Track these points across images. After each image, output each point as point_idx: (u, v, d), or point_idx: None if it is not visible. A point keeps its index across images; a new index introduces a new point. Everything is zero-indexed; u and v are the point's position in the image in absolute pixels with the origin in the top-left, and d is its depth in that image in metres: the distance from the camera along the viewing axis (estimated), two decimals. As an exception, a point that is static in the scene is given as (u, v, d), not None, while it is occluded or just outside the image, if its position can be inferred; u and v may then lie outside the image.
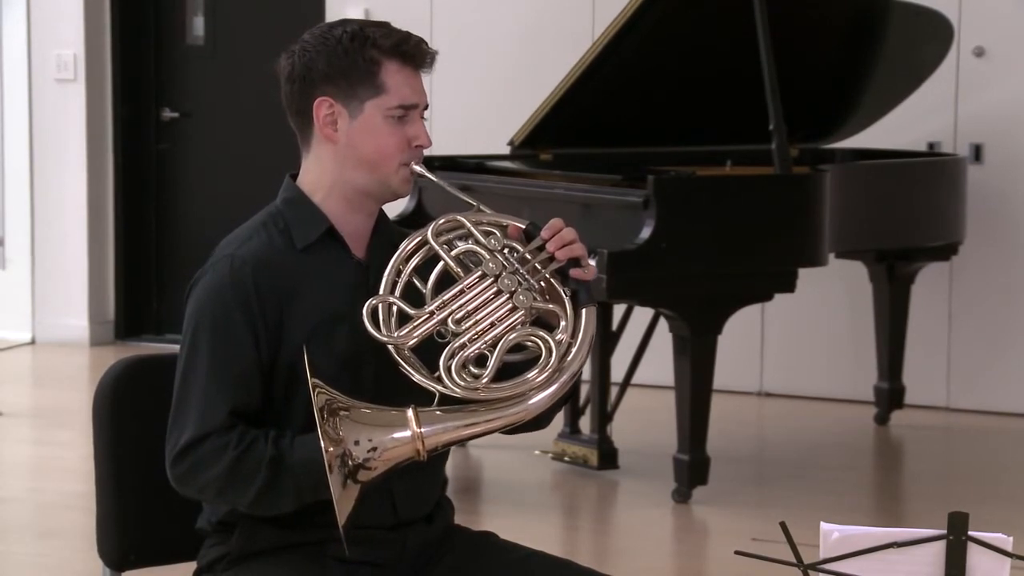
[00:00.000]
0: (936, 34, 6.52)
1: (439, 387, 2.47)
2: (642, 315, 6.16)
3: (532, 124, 6.17)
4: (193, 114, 8.44)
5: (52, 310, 8.34)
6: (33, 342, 8.37)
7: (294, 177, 2.70)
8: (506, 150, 6.32)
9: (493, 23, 7.65)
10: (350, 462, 2.42)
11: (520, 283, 2.52)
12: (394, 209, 5.81)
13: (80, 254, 8.29)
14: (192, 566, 2.76)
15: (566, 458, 6.01)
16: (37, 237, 8.34)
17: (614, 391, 6.06)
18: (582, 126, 6.23)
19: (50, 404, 7.22)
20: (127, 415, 2.78)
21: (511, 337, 2.50)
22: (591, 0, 7.43)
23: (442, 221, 2.58)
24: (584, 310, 2.53)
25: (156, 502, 2.74)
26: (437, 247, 2.56)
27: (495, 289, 2.52)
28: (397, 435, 2.46)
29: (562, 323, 2.52)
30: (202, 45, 8.40)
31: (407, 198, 6.07)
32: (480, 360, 2.50)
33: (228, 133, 8.31)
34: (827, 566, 2.18)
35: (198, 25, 8.40)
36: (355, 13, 7.56)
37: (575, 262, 2.55)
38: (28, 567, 5.00)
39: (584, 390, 6.06)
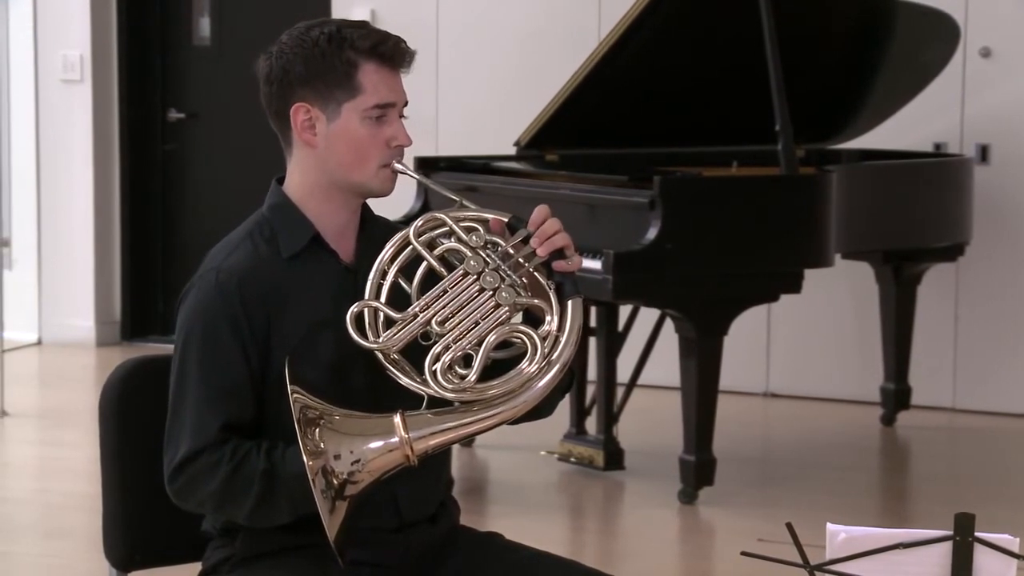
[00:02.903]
0: (942, 35, 6.52)
1: (428, 390, 2.47)
2: (648, 316, 6.16)
3: (538, 125, 6.16)
4: (199, 115, 8.45)
5: (58, 311, 8.35)
6: (39, 343, 8.38)
7: (281, 180, 2.70)
8: (512, 151, 6.32)
9: (499, 23, 7.65)
10: (335, 480, 2.40)
11: (503, 279, 2.51)
12: (399, 209, 5.80)
13: (86, 255, 8.30)
14: (197, 567, 2.76)
15: (572, 459, 6.01)
16: (44, 238, 8.34)
17: (620, 392, 6.06)
18: (588, 127, 6.23)
19: (56, 405, 7.23)
20: (133, 416, 2.78)
21: (494, 336, 2.49)
22: (597, 0, 7.43)
23: (422, 221, 2.57)
24: (570, 302, 2.52)
25: (162, 503, 2.73)
26: (419, 247, 2.55)
27: (478, 287, 2.51)
28: (382, 443, 2.44)
29: (547, 316, 2.51)
30: (208, 46, 8.41)
31: (413, 198, 6.07)
32: (467, 360, 2.49)
33: (234, 134, 8.31)
34: (833, 567, 2.18)
35: (204, 26, 8.41)
36: (360, 14, 7.56)
37: (559, 253, 2.54)
38: (34, 567, 5.00)
39: (590, 391, 6.06)
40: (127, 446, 2.78)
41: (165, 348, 2.93)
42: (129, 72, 8.39)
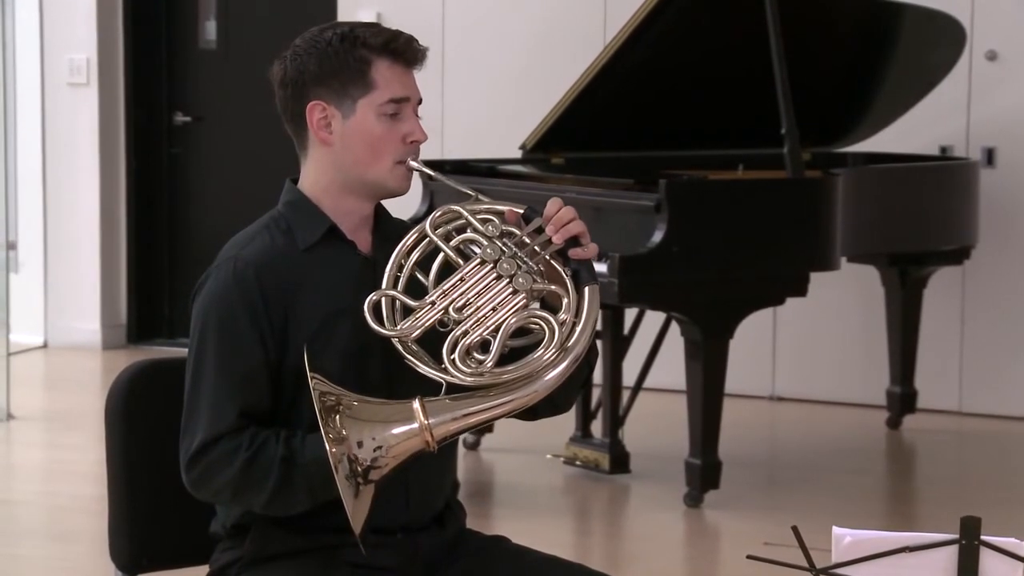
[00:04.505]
0: (948, 38, 6.52)
1: (446, 377, 2.48)
2: (654, 319, 6.15)
3: (544, 128, 6.17)
4: (205, 118, 8.45)
5: (64, 314, 8.35)
6: (45, 346, 8.39)
7: (294, 181, 2.71)
8: (518, 154, 6.33)
9: (505, 26, 7.66)
10: (359, 467, 2.42)
11: (519, 266, 2.52)
12: (406, 211, 5.81)
13: (92, 258, 8.31)
14: (204, 570, 2.76)
15: (578, 462, 6.00)
16: (50, 241, 8.35)
17: (626, 395, 6.06)
18: (594, 130, 6.23)
19: (62, 408, 7.23)
20: (139, 418, 2.79)
21: (512, 321, 2.50)
22: (603, 3, 7.43)
23: (439, 213, 2.59)
24: (586, 289, 2.53)
25: (168, 505, 2.75)
26: (436, 239, 2.56)
27: (495, 274, 2.52)
28: (403, 429, 2.45)
29: (564, 303, 2.52)
30: (214, 49, 8.41)
31: (420, 201, 6.08)
32: (484, 346, 2.50)
33: (240, 137, 8.32)
34: (839, 570, 2.18)
35: (210, 29, 8.42)
36: (367, 16, 7.57)
37: (575, 241, 2.55)
38: (40, 570, 5.01)
39: (596, 394, 6.06)
40: (133, 449, 2.78)
41: (171, 351, 2.93)
42: (135, 75, 8.39)
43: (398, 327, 2.51)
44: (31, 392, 7.40)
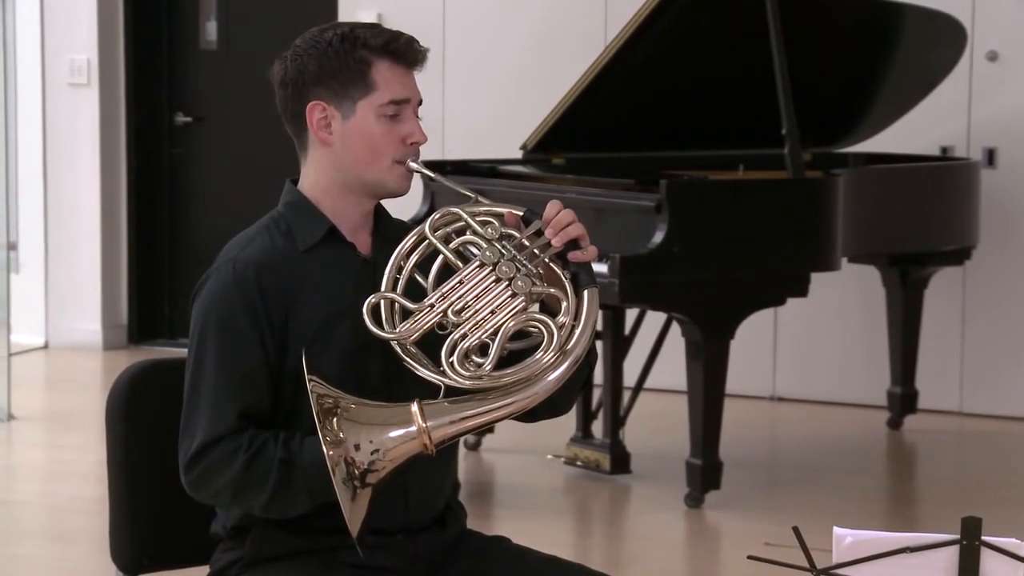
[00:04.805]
0: (949, 38, 6.51)
1: (445, 380, 2.48)
2: (655, 319, 6.16)
3: (544, 128, 6.17)
4: (206, 118, 8.45)
5: (65, 314, 8.35)
6: (46, 346, 8.38)
7: (295, 182, 2.71)
8: (518, 154, 6.32)
9: (505, 26, 7.65)
10: (356, 470, 2.41)
11: (518, 269, 2.52)
12: (406, 212, 5.81)
13: (93, 258, 8.31)
14: (205, 570, 2.76)
15: (578, 462, 6.00)
16: (51, 241, 8.35)
17: (627, 395, 6.06)
18: (594, 130, 6.23)
19: (63, 408, 7.23)
20: (140, 419, 2.79)
21: (511, 324, 2.49)
22: (604, 4, 7.43)
23: (438, 215, 2.58)
24: (586, 292, 2.53)
25: (169, 506, 2.74)
26: (435, 241, 2.56)
27: (494, 277, 2.51)
28: (401, 432, 2.45)
29: (563, 305, 2.52)
30: (215, 49, 8.41)
31: (420, 201, 6.08)
32: (483, 349, 2.50)
33: (241, 137, 8.32)
34: (840, 571, 2.18)
35: (211, 29, 8.42)
36: (367, 17, 7.57)
37: (574, 244, 2.55)
38: (40, 571, 5.01)
39: (596, 394, 6.06)
40: (134, 449, 2.78)
41: (172, 351, 2.93)
42: (136, 76, 8.39)
43: (397, 329, 2.51)
44: (32, 392, 7.40)
